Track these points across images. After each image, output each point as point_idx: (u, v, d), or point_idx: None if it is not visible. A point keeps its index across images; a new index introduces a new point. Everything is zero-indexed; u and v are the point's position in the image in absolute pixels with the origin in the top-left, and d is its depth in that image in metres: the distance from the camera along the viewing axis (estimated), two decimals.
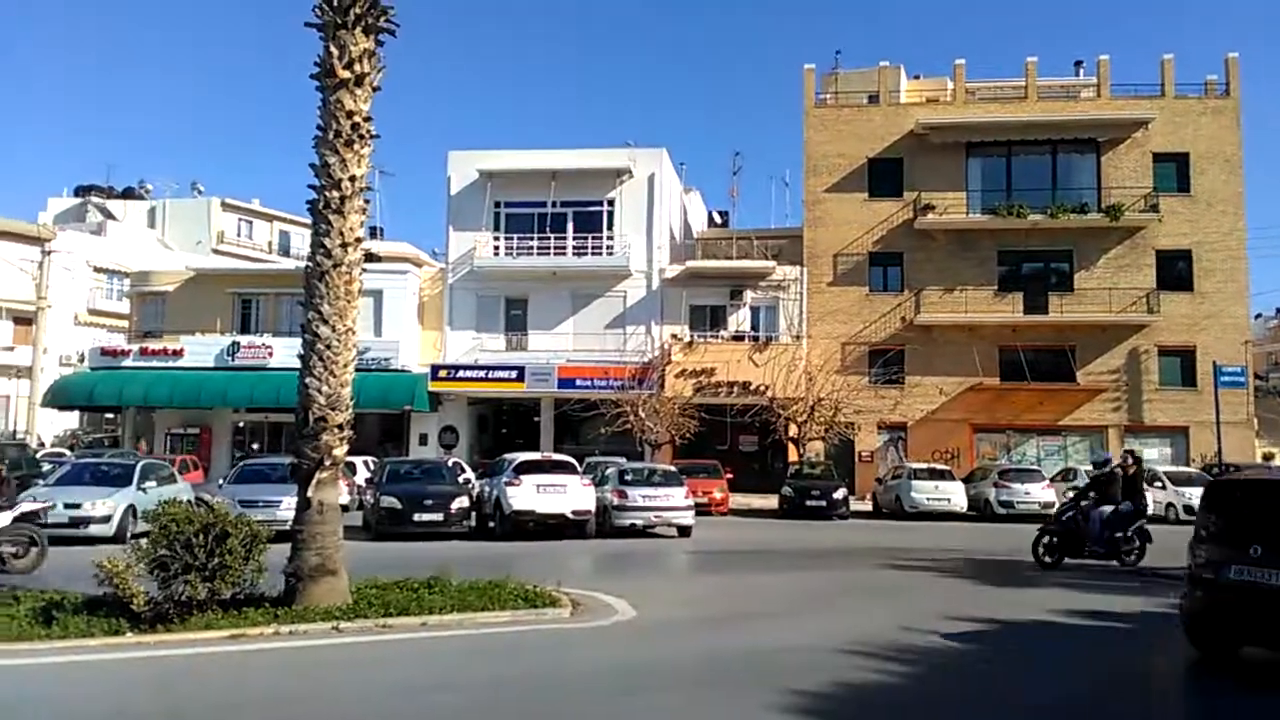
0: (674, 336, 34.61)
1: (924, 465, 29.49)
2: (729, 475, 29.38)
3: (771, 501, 29.01)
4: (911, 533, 23.30)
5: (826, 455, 32.90)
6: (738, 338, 35.04)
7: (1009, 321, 34.77)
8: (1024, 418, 34.69)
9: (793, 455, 32.37)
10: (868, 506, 30.56)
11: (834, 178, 36.20)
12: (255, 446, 34.12)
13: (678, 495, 21.44)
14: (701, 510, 23.97)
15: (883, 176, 36.02)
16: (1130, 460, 16.90)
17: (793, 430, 31.74)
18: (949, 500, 27.42)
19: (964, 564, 16.84)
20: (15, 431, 42.39)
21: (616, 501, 21.17)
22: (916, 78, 43.17)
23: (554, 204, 35.48)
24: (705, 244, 39.76)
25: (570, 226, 35.52)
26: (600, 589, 12.50)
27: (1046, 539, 16.15)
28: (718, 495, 27.28)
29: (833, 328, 35.27)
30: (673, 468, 24.46)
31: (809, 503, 26.93)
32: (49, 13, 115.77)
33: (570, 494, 20.25)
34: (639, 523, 21.03)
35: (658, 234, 35.51)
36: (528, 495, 19.94)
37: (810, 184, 36.42)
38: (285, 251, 61.98)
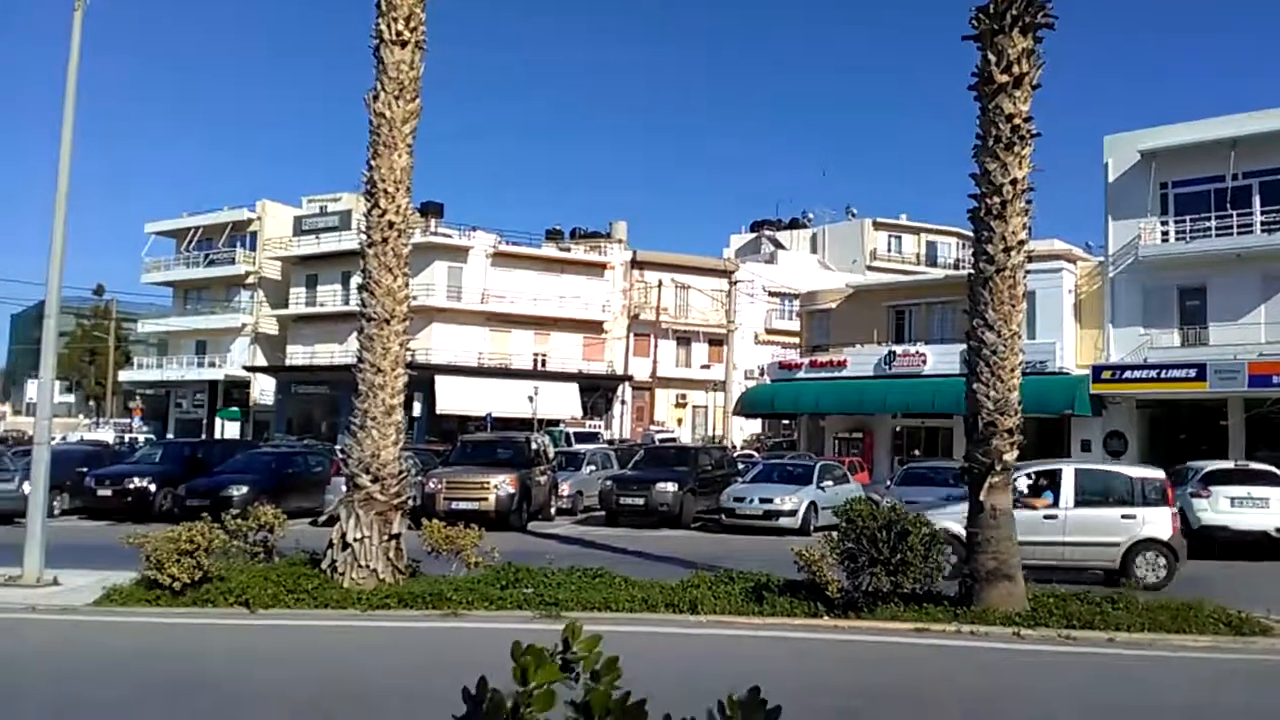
0: None
1: None
2: None
3: None
4: None
5: None
6: None
7: None
8: None
9: None
10: None
11: None
12: (915, 452, 35.30)
13: None
14: None
15: None
16: None
17: None
18: None
19: None
20: (715, 436, 49.81)
21: None
22: None
23: (1235, 176, 30.77)
24: None
25: (1257, 200, 30.46)
26: None
27: None
28: None
29: None
30: None
31: None
32: (724, 75, 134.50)
33: (1275, 509, 17.45)
34: None
35: None
36: (1219, 508, 17.73)
37: None
38: (932, 261, 63.33)
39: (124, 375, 63.80)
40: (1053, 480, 14.17)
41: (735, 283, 48.72)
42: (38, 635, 9.86)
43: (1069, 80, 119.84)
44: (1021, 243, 10.80)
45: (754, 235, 71.49)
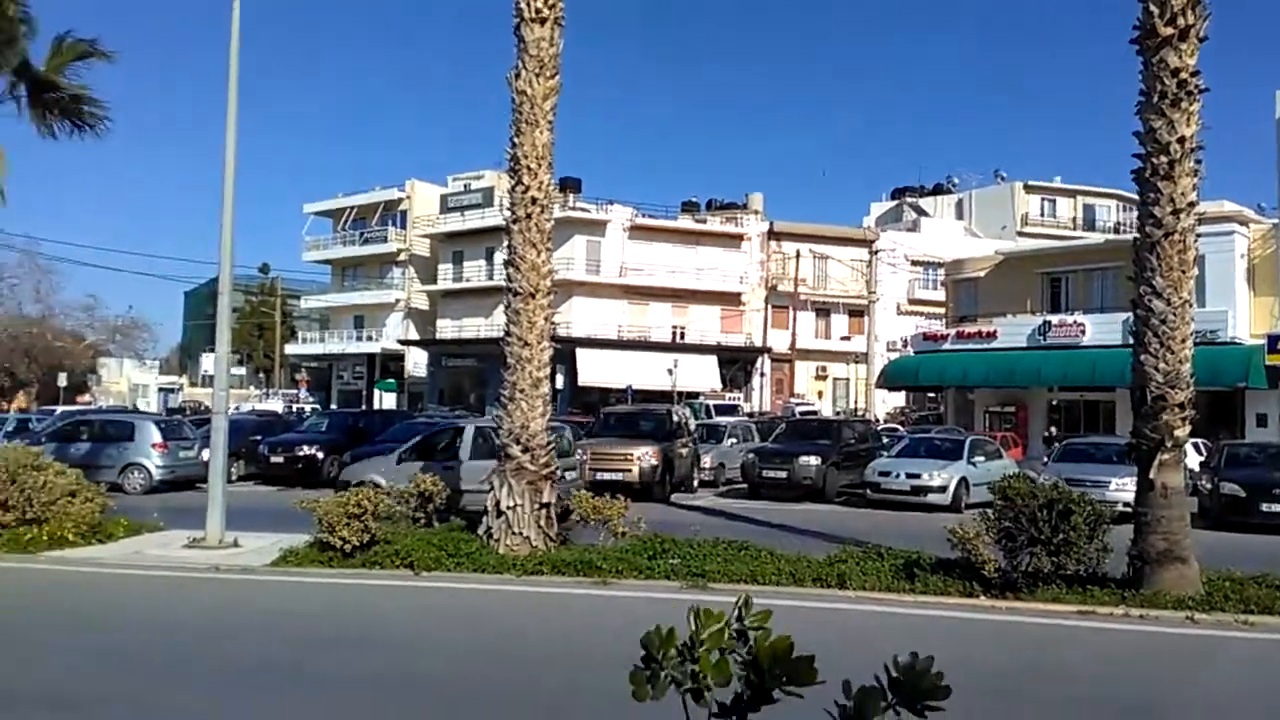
0: None
1: None
2: None
3: None
4: None
5: None
6: None
7: None
8: None
9: None
10: None
11: None
12: (1051, 430, 33.75)
13: None
14: None
15: None
16: None
17: None
18: None
19: None
20: (857, 409, 48.94)
21: None
22: None
23: None
24: None
25: None
26: None
27: None
28: None
29: None
30: None
31: None
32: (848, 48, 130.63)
33: None
34: None
35: None
36: None
37: None
38: (1090, 226, 59.94)
39: (290, 349, 67.70)
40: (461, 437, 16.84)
41: (876, 252, 47.58)
42: (222, 594, 10.64)
43: (1239, 31, 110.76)
44: (1191, 204, 10.15)
45: (895, 203, 69.42)
